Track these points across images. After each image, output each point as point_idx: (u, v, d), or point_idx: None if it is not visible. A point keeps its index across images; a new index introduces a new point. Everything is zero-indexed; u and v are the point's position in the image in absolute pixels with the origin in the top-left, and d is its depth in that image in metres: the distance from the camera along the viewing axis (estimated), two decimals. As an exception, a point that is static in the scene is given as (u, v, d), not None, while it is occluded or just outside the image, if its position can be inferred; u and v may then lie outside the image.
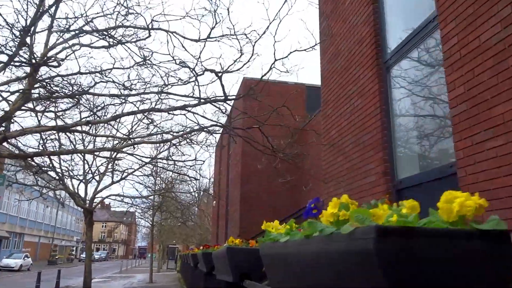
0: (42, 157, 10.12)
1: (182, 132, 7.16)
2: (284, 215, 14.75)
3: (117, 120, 7.45)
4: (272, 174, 15.49)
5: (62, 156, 12.82)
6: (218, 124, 7.03)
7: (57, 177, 12.08)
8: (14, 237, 47.07)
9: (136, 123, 9.07)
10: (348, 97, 5.84)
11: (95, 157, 13.81)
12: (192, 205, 21.89)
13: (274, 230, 1.99)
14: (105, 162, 13.90)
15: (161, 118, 8.55)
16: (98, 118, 6.68)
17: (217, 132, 7.50)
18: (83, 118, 7.11)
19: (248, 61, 5.97)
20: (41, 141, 7.85)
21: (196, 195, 14.78)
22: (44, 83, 7.25)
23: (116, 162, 14.91)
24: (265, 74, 6.10)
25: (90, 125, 7.22)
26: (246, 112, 8.40)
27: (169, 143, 7.49)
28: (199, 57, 6.03)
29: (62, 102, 7.96)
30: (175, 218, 25.19)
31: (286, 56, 5.80)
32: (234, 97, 7.38)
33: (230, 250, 3.24)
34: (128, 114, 6.20)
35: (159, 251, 40.71)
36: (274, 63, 5.90)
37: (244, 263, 3.32)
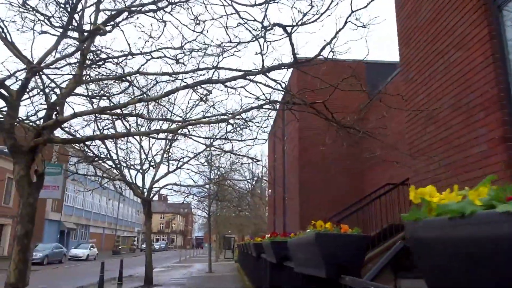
0: (98, 146, 9.99)
1: (240, 110, 6.49)
2: (343, 204, 13.75)
3: (170, 97, 6.96)
4: (331, 160, 14.51)
5: (118, 144, 12.72)
6: (284, 90, 6.21)
7: (114, 166, 12.02)
8: (81, 229, 49.89)
9: (192, 107, 8.61)
10: (439, 53, 4.83)
11: (151, 146, 13.66)
12: (248, 193, 21.44)
13: (436, 199, 1.18)
14: (160, 150, 13.71)
15: (214, 99, 7.98)
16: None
17: (279, 103, 6.68)
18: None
19: (328, 8, 5.01)
20: (96, 127, 7.60)
21: (253, 183, 14.25)
22: (96, 65, 6.88)
23: (171, 151, 14.71)
24: (338, 31, 5.18)
25: (143, 103, 6.79)
26: (306, 88, 7.52)
27: (226, 123, 6.87)
28: (266, 11, 5.20)
29: (113, 86, 7.58)
30: (232, 207, 24.97)
31: (365, 6, 4.84)
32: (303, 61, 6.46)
33: (322, 237, 2.48)
34: (182, 88, 5.61)
35: (215, 241, 41.10)
36: (350, 15, 4.98)
37: (342, 253, 2.55)
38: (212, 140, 10.84)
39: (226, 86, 5.83)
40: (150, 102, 9.26)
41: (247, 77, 5.46)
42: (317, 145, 14.55)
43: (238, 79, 5.53)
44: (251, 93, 6.69)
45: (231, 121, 7.07)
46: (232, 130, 10.89)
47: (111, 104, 6.29)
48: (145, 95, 6.17)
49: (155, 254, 52.96)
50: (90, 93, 7.89)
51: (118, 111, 6.65)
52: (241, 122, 7.58)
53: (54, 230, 40.73)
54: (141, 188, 14.51)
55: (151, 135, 7.30)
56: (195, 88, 6.17)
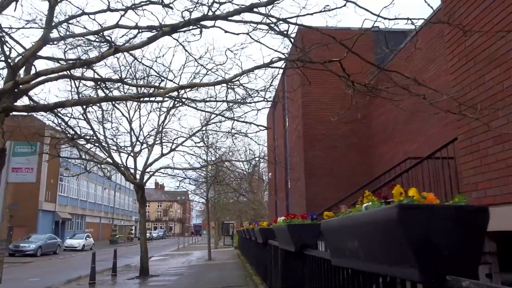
0: (81, 125, 8.85)
1: (242, 71, 5.40)
2: (353, 184, 12.76)
3: (162, 60, 5.83)
4: (337, 136, 13.46)
5: (105, 125, 11.60)
6: (293, 44, 5.14)
7: (100, 148, 10.92)
8: (77, 219, 48.91)
9: (183, 65, 7.49)
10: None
11: (142, 126, 12.50)
12: (248, 175, 20.37)
13: None
14: (152, 130, 12.61)
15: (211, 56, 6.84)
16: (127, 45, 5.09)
17: (288, 60, 5.60)
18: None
19: None
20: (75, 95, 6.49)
21: (253, 163, 13.18)
22: (67, 23, 5.74)
23: (164, 131, 13.60)
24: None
25: (118, 54, 5.66)
26: (318, 43, 6.40)
27: (226, 88, 5.78)
28: None
29: (92, 50, 6.45)
30: (231, 192, 23.99)
31: None
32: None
33: (414, 210, 1.42)
34: (169, 32, 4.49)
35: (214, 227, 40.35)
36: None
37: (447, 239, 1.52)
38: (210, 114, 9.73)
39: (225, 32, 4.72)
40: (137, 69, 8.18)
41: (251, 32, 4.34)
42: (322, 121, 13.48)
43: (240, 17, 4.41)
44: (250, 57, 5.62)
45: (230, 90, 6.00)
46: (232, 104, 9.80)
47: (85, 64, 5.17)
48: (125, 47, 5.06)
49: (153, 242, 52.43)
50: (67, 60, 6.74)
51: (96, 76, 5.52)
52: (242, 90, 6.49)
53: (48, 220, 39.67)
54: (133, 173, 13.44)
55: (136, 99, 6.17)
56: (186, 33, 5.07)
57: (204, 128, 12.92)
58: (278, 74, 6.12)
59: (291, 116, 15.49)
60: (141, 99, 5.87)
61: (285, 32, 5.00)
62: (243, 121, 9.09)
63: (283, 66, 5.80)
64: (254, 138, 20.99)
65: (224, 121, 11.86)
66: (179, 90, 5.39)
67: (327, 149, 13.16)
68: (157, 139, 13.31)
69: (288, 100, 15.15)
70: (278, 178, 19.67)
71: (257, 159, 13.15)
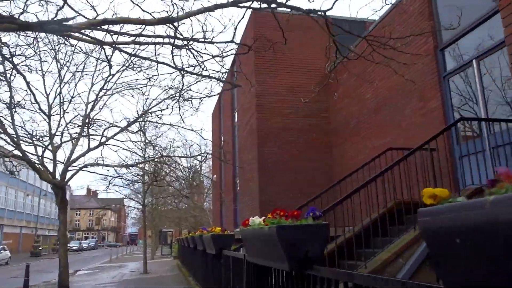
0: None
1: (194, 11, 3.78)
2: (312, 184, 11.49)
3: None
4: (295, 131, 12.15)
5: (18, 110, 9.29)
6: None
7: (3, 134, 8.59)
8: (-8, 229, 43.28)
9: None
10: None
11: (65, 109, 10.27)
12: (194, 173, 18.39)
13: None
14: (75, 117, 10.41)
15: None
16: None
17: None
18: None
19: None
20: None
21: (201, 160, 11.42)
22: None
23: (92, 124, 11.41)
24: None
25: None
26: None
27: (171, 28, 4.10)
28: None
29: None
30: (170, 196, 21.83)
31: None
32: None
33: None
34: None
35: (151, 236, 37.52)
36: None
37: None
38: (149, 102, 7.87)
39: None
40: None
41: None
42: (278, 114, 12.09)
43: None
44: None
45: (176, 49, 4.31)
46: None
47: None
48: None
49: (83, 253, 47.87)
50: None
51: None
52: (193, 52, 4.81)
53: (-46, 231, 34.35)
54: (50, 171, 11.06)
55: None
56: None
57: (142, 119, 10.95)
58: (242, 19, 4.61)
59: (242, 109, 13.95)
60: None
61: None
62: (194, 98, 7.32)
63: (251, 5, 4.23)
64: (199, 132, 19.10)
65: (166, 109, 10.00)
66: (101, 26, 3.61)
67: (284, 145, 11.78)
68: (84, 129, 11.08)
69: (239, 90, 13.62)
70: (225, 180, 17.98)
71: (203, 154, 11.33)
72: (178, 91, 8.42)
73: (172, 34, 4.25)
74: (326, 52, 6.04)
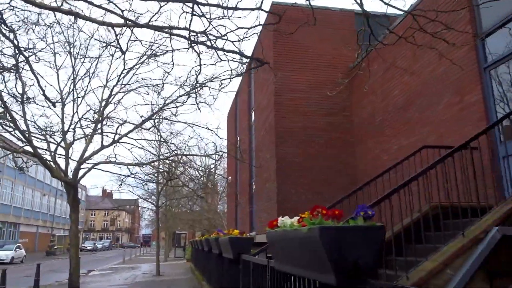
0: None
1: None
2: (332, 186, 10.91)
3: None
4: (315, 130, 11.59)
5: (31, 107, 8.99)
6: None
7: (12, 131, 8.27)
8: (9, 227, 43.65)
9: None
10: None
11: (78, 104, 9.94)
12: (208, 173, 17.92)
13: None
14: (87, 112, 10.07)
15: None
16: None
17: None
18: None
19: None
20: None
21: (216, 158, 10.99)
22: None
23: (106, 121, 11.06)
24: None
25: None
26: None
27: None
28: None
29: None
30: (184, 197, 21.44)
31: None
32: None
33: None
34: None
35: (165, 238, 37.25)
36: None
37: None
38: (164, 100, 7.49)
39: None
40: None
41: None
42: (297, 113, 11.53)
43: None
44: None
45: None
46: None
47: None
48: None
49: (97, 254, 47.91)
50: None
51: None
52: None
53: (-28, 229, 34.71)
54: (62, 169, 10.75)
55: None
56: None
57: (156, 116, 10.55)
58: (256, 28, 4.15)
59: (259, 108, 13.44)
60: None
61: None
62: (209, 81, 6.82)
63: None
64: (214, 130, 18.63)
65: (181, 105, 9.56)
66: None
67: (303, 144, 11.22)
68: (97, 126, 10.74)
69: (257, 88, 13.16)
70: (240, 181, 17.48)
71: (219, 153, 10.84)
72: (195, 83, 7.97)
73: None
74: (357, 39, 5.47)
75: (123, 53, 5.37)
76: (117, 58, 10.38)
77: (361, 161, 10.94)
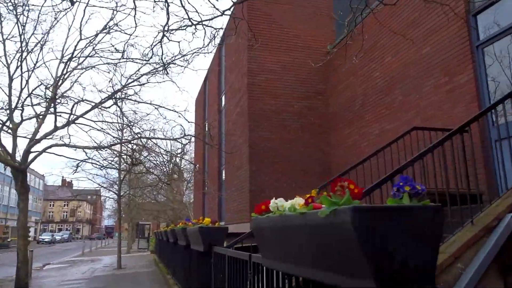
0: None
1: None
2: (308, 173, 10.39)
3: None
4: (290, 114, 10.99)
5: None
6: None
7: None
8: (-45, 219, 40.69)
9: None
10: None
11: (29, 73, 8.79)
12: (177, 156, 16.92)
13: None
14: (37, 87, 8.96)
15: None
16: None
17: None
18: None
19: None
20: None
21: (184, 142, 10.16)
22: None
23: (60, 100, 9.96)
24: None
25: None
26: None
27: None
28: None
29: None
30: (148, 187, 20.43)
31: None
32: None
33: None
34: None
35: (127, 229, 35.90)
36: None
37: None
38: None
39: None
40: None
41: None
42: (271, 95, 10.86)
43: None
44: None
45: None
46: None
47: None
48: None
49: (55, 246, 45.63)
50: None
51: None
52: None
53: None
54: (9, 152, 9.60)
55: None
56: None
57: (118, 95, 9.56)
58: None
59: (231, 90, 12.66)
60: None
61: None
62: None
63: None
64: (182, 113, 17.49)
65: (146, 83, 8.64)
66: None
67: (278, 129, 10.58)
68: (51, 105, 9.62)
69: (227, 68, 12.32)
70: (209, 168, 16.68)
71: (187, 137, 9.97)
72: (161, 54, 7.12)
73: None
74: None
75: (73, 3, 4.47)
76: (66, 11, 9.08)
77: (339, 147, 10.45)
